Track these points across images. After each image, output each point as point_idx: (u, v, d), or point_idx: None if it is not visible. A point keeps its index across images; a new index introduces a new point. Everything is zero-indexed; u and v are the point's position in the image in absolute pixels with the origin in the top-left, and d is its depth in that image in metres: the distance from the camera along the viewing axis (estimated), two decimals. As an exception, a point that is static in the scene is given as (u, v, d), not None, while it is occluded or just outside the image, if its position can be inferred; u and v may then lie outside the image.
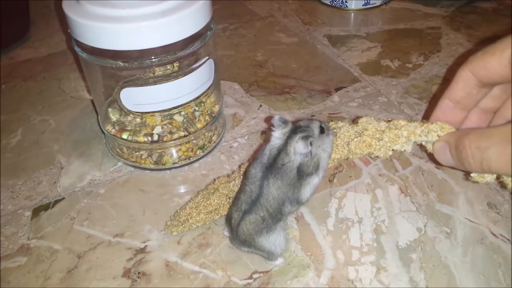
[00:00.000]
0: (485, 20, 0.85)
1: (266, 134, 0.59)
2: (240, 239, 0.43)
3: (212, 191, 0.49)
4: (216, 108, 0.58)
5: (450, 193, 0.51)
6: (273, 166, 0.40)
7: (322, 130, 0.41)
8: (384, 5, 0.92)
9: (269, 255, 0.44)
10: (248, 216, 0.41)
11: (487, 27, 0.83)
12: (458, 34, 0.81)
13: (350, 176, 0.54)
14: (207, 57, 0.53)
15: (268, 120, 0.41)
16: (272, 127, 0.41)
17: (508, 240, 0.45)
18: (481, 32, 0.81)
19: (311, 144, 0.39)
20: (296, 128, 0.41)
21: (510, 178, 0.36)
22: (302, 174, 0.40)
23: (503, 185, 0.38)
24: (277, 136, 0.41)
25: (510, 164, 0.31)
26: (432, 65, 0.73)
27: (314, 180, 0.41)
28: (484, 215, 0.48)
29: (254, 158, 0.42)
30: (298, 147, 0.39)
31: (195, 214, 0.47)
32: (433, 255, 0.45)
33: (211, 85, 0.55)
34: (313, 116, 0.63)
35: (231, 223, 0.43)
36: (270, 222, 0.41)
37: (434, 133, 0.38)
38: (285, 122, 0.41)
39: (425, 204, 0.50)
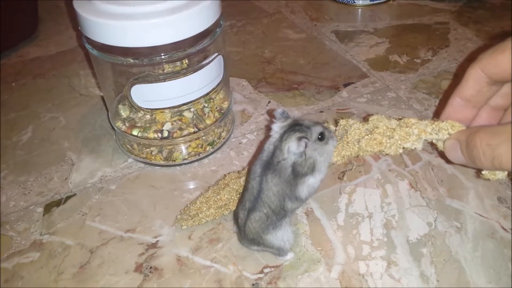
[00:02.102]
0: (494, 15, 0.85)
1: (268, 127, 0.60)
2: (248, 238, 0.43)
3: (222, 186, 0.49)
4: (225, 105, 0.58)
5: (460, 188, 0.51)
6: (270, 163, 0.40)
7: (321, 137, 0.41)
8: (391, 1, 0.91)
9: (279, 251, 0.44)
10: (253, 214, 0.41)
11: (495, 22, 0.82)
12: (466, 29, 0.81)
13: (360, 172, 0.54)
14: (217, 54, 0.53)
15: (271, 113, 0.41)
16: (273, 119, 0.41)
17: (519, 234, 0.45)
18: (490, 28, 0.81)
19: (305, 145, 0.39)
20: (294, 126, 0.40)
21: None
22: (297, 173, 0.40)
23: None
24: (276, 129, 0.41)
25: None
26: (441, 60, 0.73)
27: (310, 181, 0.41)
28: (494, 210, 0.48)
29: (257, 154, 0.42)
30: (292, 146, 0.39)
31: (205, 208, 0.47)
32: (443, 249, 0.45)
33: (220, 81, 0.55)
34: (322, 112, 0.63)
35: (238, 222, 0.43)
36: (274, 219, 0.42)
37: (444, 131, 0.39)
38: (286, 116, 0.41)
39: (435, 199, 0.50)
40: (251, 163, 0.49)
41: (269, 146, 0.41)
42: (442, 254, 0.44)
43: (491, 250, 0.44)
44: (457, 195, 0.50)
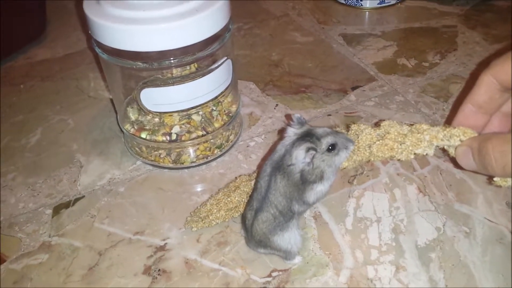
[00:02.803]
0: (501, 18, 0.85)
1: (281, 129, 0.60)
2: (256, 239, 0.43)
3: (233, 188, 0.49)
4: (233, 108, 0.58)
5: (469, 193, 0.51)
6: (280, 165, 0.40)
7: (331, 148, 0.40)
8: (399, 4, 0.91)
9: (286, 254, 0.44)
10: (260, 214, 0.41)
11: (503, 26, 0.82)
12: (474, 33, 0.81)
13: (368, 176, 0.54)
14: (225, 58, 0.53)
15: (288, 117, 0.42)
16: (291, 122, 0.41)
17: (528, 240, 0.45)
18: (497, 31, 0.80)
19: (312, 157, 0.39)
20: (307, 135, 0.40)
21: None
22: (305, 179, 0.40)
23: None
24: (290, 134, 0.41)
25: None
26: (449, 64, 0.73)
27: (318, 188, 0.41)
28: (503, 215, 0.48)
29: (266, 156, 0.42)
30: (299, 154, 0.39)
31: (215, 210, 0.48)
32: (452, 254, 0.44)
33: (228, 85, 0.56)
34: (330, 115, 0.63)
35: (246, 223, 0.44)
36: (282, 220, 0.42)
37: (456, 137, 0.39)
38: (302, 122, 0.41)
39: (443, 204, 0.50)
40: (260, 166, 0.49)
41: (281, 148, 0.41)
42: (450, 259, 0.44)
43: (500, 255, 0.44)
44: (465, 199, 0.50)
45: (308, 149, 0.39)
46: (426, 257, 0.44)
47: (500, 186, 0.37)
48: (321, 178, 0.41)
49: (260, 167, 0.49)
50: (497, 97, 0.39)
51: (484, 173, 0.36)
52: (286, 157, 0.40)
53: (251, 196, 0.44)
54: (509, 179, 0.36)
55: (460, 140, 0.38)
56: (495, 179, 0.37)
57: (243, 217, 0.45)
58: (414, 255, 0.45)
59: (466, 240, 0.46)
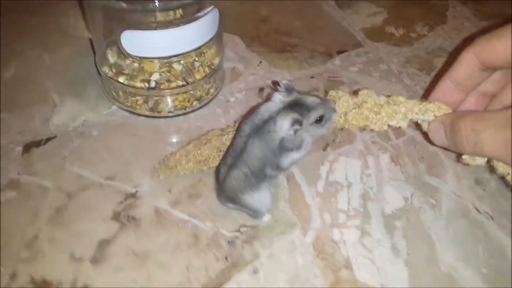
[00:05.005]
0: (494, -5, 0.84)
1: (267, 93, 0.59)
2: (226, 194, 0.43)
3: (204, 141, 0.49)
4: (216, 61, 0.57)
5: (439, 166, 0.52)
6: (260, 129, 0.40)
7: (319, 120, 0.40)
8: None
9: (254, 213, 0.44)
10: (233, 171, 0.41)
11: (494, 3, 0.81)
12: (465, 8, 0.80)
13: (344, 141, 0.54)
14: (212, 7, 0.51)
15: (275, 82, 0.41)
16: (278, 88, 0.40)
17: (491, 217, 0.47)
18: (488, 8, 0.80)
19: (296, 129, 0.39)
20: (296, 104, 0.39)
21: (500, 163, 0.37)
22: (283, 146, 0.40)
23: (492, 170, 0.38)
24: (277, 100, 0.40)
25: (502, 149, 0.32)
26: (436, 37, 0.72)
27: (294, 155, 0.41)
28: (471, 191, 0.49)
29: (250, 113, 0.42)
30: (284, 125, 0.39)
31: (184, 161, 0.47)
32: (416, 224, 0.46)
33: (213, 36, 0.54)
34: (313, 77, 0.63)
35: (219, 177, 0.44)
36: (253, 180, 0.42)
37: (431, 112, 0.39)
38: (290, 89, 0.40)
39: (414, 175, 0.51)
40: (236, 121, 0.49)
41: (264, 112, 0.40)
42: (415, 228, 0.45)
43: (463, 229, 0.46)
44: (436, 172, 0.51)
45: (294, 122, 0.38)
46: (391, 225, 0.46)
47: (468, 164, 0.38)
48: (299, 146, 0.41)
49: (236, 122, 0.49)
50: (477, 75, 0.39)
51: (454, 150, 0.37)
52: (270, 123, 0.39)
53: (227, 151, 0.44)
54: (477, 158, 0.37)
55: (435, 116, 0.39)
56: (463, 156, 0.37)
57: (217, 171, 0.45)
58: (380, 222, 0.46)
59: (432, 212, 0.47)
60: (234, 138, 0.43)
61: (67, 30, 0.70)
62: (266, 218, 0.45)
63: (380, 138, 0.55)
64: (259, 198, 0.43)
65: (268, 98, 0.41)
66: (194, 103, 0.56)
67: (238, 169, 0.41)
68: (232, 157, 0.42)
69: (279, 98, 0.40)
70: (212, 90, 0.58)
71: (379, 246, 0.44)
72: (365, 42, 0.71)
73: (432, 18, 0.77)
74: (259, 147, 0.40)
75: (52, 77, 0.61)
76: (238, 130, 0.43)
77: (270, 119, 0.39)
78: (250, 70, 0.64)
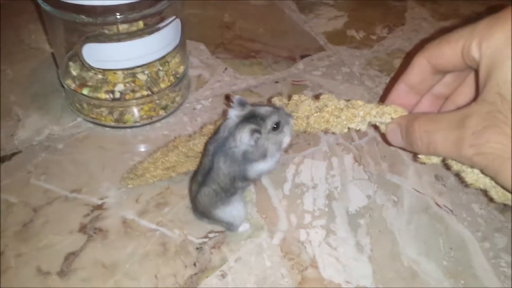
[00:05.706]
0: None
1: (228, 101, 0.60)
2: (199, 211, 0.44)
3: (171, 148, 0.49)
4: (181, 69, 0.58)
5: (401, 164, 0.53)
6: (223, 146, 0.41)
7: (276, 127, 0.41)
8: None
9: (229, 226, 0.45)
10: (203, 188, 0.42)
11: (451, 4, 0.84)
12: (423, 9, 0.83)
13: (309, 144, 0.55)
14: (174, 17, 0.52)
15: (228, 97, 0.41)
16: (231, 104, 0.41)
17: (451, 211, 0.48)
18: (444, 9, 0.83)
19: (257, 138, 0.39)
20: (251, 116, 0.40)
21: (454, 161, 0.39)
22: (247, 159, 0.41)
23: (448, 167, 0.40)
24: (233, 116, 0.41)
25: (454, 148, 0.33)
26: (395, 38, 0.75)
27: (260, 166, 0.42)
28: (431, 187, 0.51)
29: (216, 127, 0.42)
30: (244, 137, 0.39)
31: (152, 169, 0.48)
32: (379, 221, 0.47)
33: (176, 45, 0.55)
34: (277, 82, 0.64)
35: (191, 194, 0.44)
36: (223, 195, 0.42)
37: (388, 115, 0.40)
38: (244, 104, 0.41)
39: (376, 173, 0.52)
40: (203, 127, 0.49)
41: (224, 130, 0.41)
42: (378, 225, 0.47)
43: (424, 224, 0.47)
44: (397, 170, 0.53)
45: (252, 132, 0.39)
46: (355, 223, 0.47)
47: (424, 163, 0.40)
48: (264, 156, 0.41)
49: (202, 127, 0.49)
50: (429, 79, 0.40)
51: (410, 150, 0.38)
52: (230, 140, 0.40)
53: (197, 168, 0.44)
54: (432, 157, 0.39)
55: (391, 118, 0.40)
56: (420, 156, 0.39)
57: (190, 188, 0.45)
58: (345, 220, 0.47)
59: (394, 208, 0.49)
60: (203, 155, 0.43)
61: (29, 43, 0.69)
62: (243, 228, 0.46)
63: (344, 139, 0.56)
64: (231, 211, 0.44)
65: (225, 118, 0.42)
66: (160, 112, 0.56)
67: (208, 186, 0.42)
68: (201, 175, 0.42)
69: (234, 114, 0.41)
70: (178, 99, 0.58)
71: (343, 244, 0.45)
72: (327, 45, 0.72)
73: (391, 19, 0.79)
74: (225, 164, 0.41)
75: (15, 91, 0.60)
76: (204, 149, 0.43)
77: (230, 136, 0.40)
78: (215, 77, 0.65)
